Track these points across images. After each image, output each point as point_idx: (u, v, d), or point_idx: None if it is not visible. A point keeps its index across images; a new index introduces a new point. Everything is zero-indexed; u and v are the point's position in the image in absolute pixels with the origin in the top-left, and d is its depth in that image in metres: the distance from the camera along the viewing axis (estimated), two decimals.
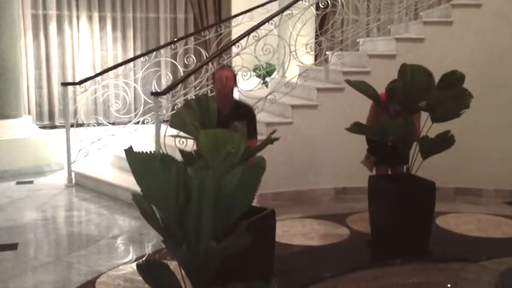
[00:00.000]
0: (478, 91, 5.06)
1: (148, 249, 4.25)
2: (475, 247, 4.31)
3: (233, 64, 6.85)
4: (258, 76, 7.28)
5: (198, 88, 6.46)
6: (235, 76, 4.25)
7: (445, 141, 3.95)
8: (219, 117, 3.74)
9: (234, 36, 6.85)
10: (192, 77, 6.93)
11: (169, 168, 2.17)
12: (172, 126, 3.64)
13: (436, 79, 4.01)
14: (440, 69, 4.15)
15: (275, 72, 7.77)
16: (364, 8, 6.64)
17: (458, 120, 4.06)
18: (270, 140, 3.77)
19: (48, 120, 9.51)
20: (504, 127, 5.60)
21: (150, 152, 2.18)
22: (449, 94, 3.93)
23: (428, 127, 4.02)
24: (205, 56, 7.16)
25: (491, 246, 4.30)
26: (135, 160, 2.18)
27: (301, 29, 5.90)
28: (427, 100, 3.91)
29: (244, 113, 4.15)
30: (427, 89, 3.89)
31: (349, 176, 5.48)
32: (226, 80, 4.09)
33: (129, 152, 2.19)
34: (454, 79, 3.99)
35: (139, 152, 2.17)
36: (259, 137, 4.86)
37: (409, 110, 3.95)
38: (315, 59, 7.49)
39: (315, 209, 5.17)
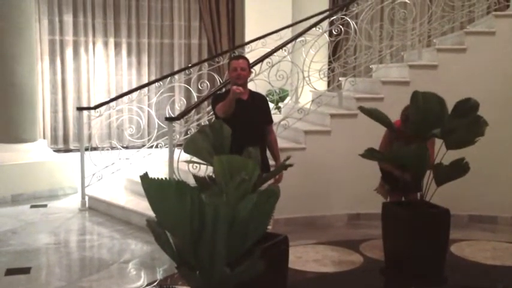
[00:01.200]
0: (493, 119, 5.05)
1: (160, 275, 4.24)
2: (490, 275, 4.26)
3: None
4: (272, 101, 7.32)
5: (211, 113, 6.49)
6: (249, 65, 4.30)
7: (460, 168, 3.93)
8: (239, 104, 3.98)
9: None
10: (206, 102, 7.00)
11: (184, 195, 2.18)
12: (186, 151, 3.66)
13: (450, 106, 4.01)
14: (454, 96, 4.14)
15: (288, 98, 7.81)
16: (377, 34, 6.69)
17: (472, 147, 4.05)
18: (284, 166, 3.78)
19: (62, 144, 9.59)
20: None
21: (165, 178, 2.20)
22: (464, 122, 3.92)
23: (442, 154, 4.00)
24: (219, 81, 7.22)
25: (507, 275, 4.24)
26: (150, 186, 2.19)
27: (314, 55, 5.94)
28: (440, 127, 3.90)
29: (260, 99, 4.36)
30: (439, 116, 3.89)
31: (363, 202, 5.45)
32: (242, 70, 4.16)
33: (144, 178, 2.20)
34: (468, 107, 3.98)
35: (154, 178, 2.18)
36: (272, 163, 4.89)
37: (422, 137, 3.94)
38: (328, 85, 7.53)
39: (328, 235, 5.15)
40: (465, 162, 3.94)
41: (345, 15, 6.01)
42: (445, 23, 6.34)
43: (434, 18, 6.23)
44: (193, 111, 5.43)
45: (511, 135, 5.55)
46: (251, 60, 5.75)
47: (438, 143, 4.10)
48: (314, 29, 5.96)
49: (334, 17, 6.07)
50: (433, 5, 6.14)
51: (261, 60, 5.61)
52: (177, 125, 5.79)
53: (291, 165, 3.83)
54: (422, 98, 3.93)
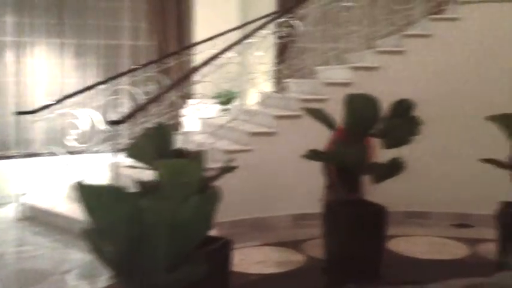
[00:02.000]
0: (429, 118, 5.27)
1: (101, 284, 4.14)
2: (425, 270, 4.43)
3: (194, 92, 6.91)
4: (219, 103, 7.35)
5: (157, 116, 6.46)
6: None
7: (396, 167, 4.07)
8: None
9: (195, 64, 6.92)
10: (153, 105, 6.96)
11: (122, 201, 2.18)
12: (129, 156, 3.65)
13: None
14: (395, 96, 4.30)
15: (236, 100, 7.86)
16: (322, 37, 6.82)
17: (409, 145, 4.21)
18: (227, 169, 3.82)
19: (1, 150, 9.28)
20: (451, 153, 5.78)
21: (102, 184, 2.20)
22: (400, 121, 4.08)
23: (383, 153, 4.15)
24: (167, 84, 7.18)
25: (441, 269, 4.43)
26: (86, 193, 2.19)
27: (261, 58, 6.01)
28: (378, 127, 4.04)
29: None
30: (374, 116, 4.02)
31: (308, 202, 5.53)
32: None
33: (79, 184, 2.19)
34: (404, 107, 4.14)
35: (90, 184, 2.18)
36: (219, 165, 4.91)
37: (358, 137, 4.07)
38: (275, 87, 7.62)
39: (273, 236, 5.21)
40: (401, 160, 4.09)
41: (291, 17, 6.11)
42: (386, 26, 6.53)
43: (376, 21, 6.42)
44: (139, 114, 5.39)
45: (444, 132, 5.76)
46: (199, 62, 5.81)
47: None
48: (261, 31, 6.03)
49: (281, 20, 6.16)
50: (375, 9, 6.32)
51: (208, 61, 5.64)
52: (123, 129, 5.73)
53: (235, 167, 3.88)
54: (356, 100, 4.06)
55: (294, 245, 4.90)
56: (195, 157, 3.70)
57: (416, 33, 6.02)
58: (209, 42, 7.20)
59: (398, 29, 6.88)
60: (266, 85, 6.34)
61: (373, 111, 4.13)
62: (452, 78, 5.79)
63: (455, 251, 4.79)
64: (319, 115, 4.34)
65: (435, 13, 6.36)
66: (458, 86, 5.77)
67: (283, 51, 7.62)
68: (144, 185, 3.39)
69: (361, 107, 4.14)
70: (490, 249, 4.61)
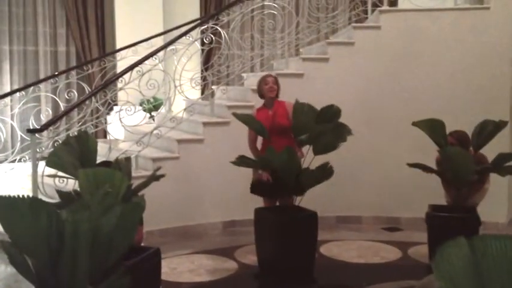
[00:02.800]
0: (356, 124, 5.38)
1: None
2: (358, 273, 4.49)
3: (118, 99, 6.71)
4: (145, 110, 7.18)
5: (80, 124, 6.21)
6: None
7: (325, 172, 4.12)
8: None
9: (118, 70, 6.73)
10: (75, 113, 6.70)
11: (40, 212, 2.05)
12: (49, 165, 3.46)
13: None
14: (319, 103, 4.38)
15: (162, 107, 7.72)
16: (248, 44, 6.84)
17: (339, 151, 4.28)
18: (154, 177, 3.71)
19: None
20: (380, 157, 5.93)
21: (18, 195, 2.05)
22: (328, 128, 4.14)
23: (311, 159, 4.19)
24: (88, 90, 6.93)
25: (373, 272, 4.50)
26: (1, 205, 2.03)
27: (186, 64, 5.92)
28: (308, 133, 4.09)
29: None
30: (308, 122, 4.07)
31: (238, 208, 5.53)
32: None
33: None
34: (331, 113, 4.21)
35: (5, 196, 2.03)
36: (145, 173, 4.80)
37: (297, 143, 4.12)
38: (202, 94, 7.55)
39: (203, 244, 5.14)
40: (329, 166, 4.14)
41: (216, 24, 6.07)
42: (310, 33, 6.65)
43: (300, 28, 6.52)
44: (60, 121, 5.16)
45: (371, 137, 5.92)
46: (121, 69, 5.63)
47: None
48: (185, 37, 5.95)
49: (205, 26, 6.12)
50: (299, 16, 6.42)
51: (131, 68, 5.49)
52: (44, 137, 5.47)
53: (162, 176, 3.78)
54: (301, 107, 4.15)
55: (226, 252, 4.85)
56: (119, 166, 3.58)
57: (340, 41, 6.17)
58: (131, 49, 7.05)
59: (323, 37, 7.05)
60: (192, 92, 6.25)
61: (311, 118, 4.18)
62: (376, 84, 5.96)
63: (387, 254, 4.88)
64: (249, 120, 4.33)
65: (358, 21, 6.57)
66: (383, 91, 5.95)
67: (209, 58, 7.58)
68: (64, 195, 3.23)
69: (305, 113, 4.20)
70: (420, 252, 4.77)
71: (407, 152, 5.36)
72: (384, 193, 5.94)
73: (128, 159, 3.69)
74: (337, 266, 4.62)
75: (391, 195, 5.91)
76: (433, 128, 4.40)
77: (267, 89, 4.65)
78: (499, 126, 4.36)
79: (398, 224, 5.88)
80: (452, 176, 4.21)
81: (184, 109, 5.88)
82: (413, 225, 5.45)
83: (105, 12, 9.64)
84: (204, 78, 6.40)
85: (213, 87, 6.54)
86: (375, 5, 6.41)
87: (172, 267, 4.39)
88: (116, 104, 6.82)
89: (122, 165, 3.62)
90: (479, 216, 4.30)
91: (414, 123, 4.42)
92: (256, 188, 4.39)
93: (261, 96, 4.76)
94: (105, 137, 7.11)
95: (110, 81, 5.77)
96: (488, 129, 4.38)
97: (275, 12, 6.31)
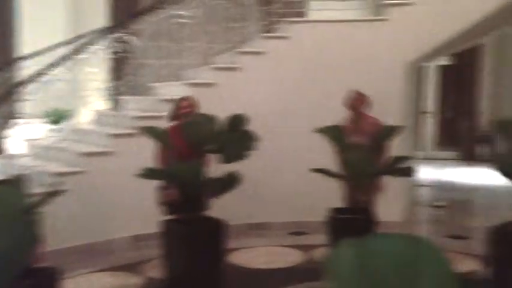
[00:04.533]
0: (266, 131, 5.43)
1: None
2: (265, 279, 4.55)
3: (20, 111, 6.36)
4: (49, 123, 6.86)
5: None
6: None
7: (233, 180, 4.11)
8: None
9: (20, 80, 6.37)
10: None
11: None
12: None
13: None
14: (230, 112, 4.34)
15: (67, 119, 7.40)
16: (158, 53, 6.72)
17: (248, 158, 4.28)
18: (54, 193, 3.53)
19: None
20: (289, 164, 6.04)
21: None
22: (236, 136, 4.13)
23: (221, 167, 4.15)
24: None
25: (279, 277, 4.56)
26: None
27: (93, 74, 5.72)
28: (214, 143, 4.05)
29: None
30: (211, 132, 4.04)
31: (146, 222, 5.34)
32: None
33: None
34: (238, 122, 4.20)
35: None
36: (45, 189, 4.54)
37: (198, 153, 4.05)
38: (110, 104, 7.32)
39: (110, 261, 4.96)
40: (237, 174, 4.13)
41: (125, 32, 5.92)
42: (222, 42, 6.63)
43: (212, 38, 6.50)
44: None
45: (281, 144, 5.99)
46: (23, 78, 5.34)
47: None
48: (92, 46, 5.75)
49: (114, 35, 5.95)
50: (211, 26, 6.39)
51: (33, 78, 5.22)
52: None
53: (64, 191, 3.60)
54: (196, 119, 4.07)
55: (132, 267, 4.70)
56: (16, 182, 3.37)
57: (250, 51, 6.21)
58: (36, 58, 6.71)
59: (234, 46, 7.07)
60: (100, 103, 6.05)
61: (210, 127, 4.14)
62: (286, 93, 6.06)
63: (292, 258, 4.97)
64: (153, 133, 4.23)
65: (268, 31, 6.64)
66: (292, 100, 6.06)
67: (118, 68, 7.37)
68: None
69: (199, 123, 4.13)
70: (323, 254, 4.86)
71: (314, 157, 5.46)
72: (291, 199, 6.05)
73: (24, 176, 3.49)
74: (246, 273, 4.65)
75: (297, 201, 6.03)
76: (333, 133, 4.56)
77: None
78: (393, 130, 4.65)
79: (304, 228, 5.98)
80: (351, 179, 4.36)
81: (92, 121, 5.67)
82: (318, 228, 5.54)
83: (6, 20, 9.16)
84: (113, 89, 6.21)
85: (123, 97, 6.36)
86: (284, 16, 6.51)
87: None
88: (18, 117, 6.46)
89: (19, 182, 3.41)
90: (376, 217, 4.48)
91: (318, 130, 4.55)
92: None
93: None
94: (3, 152, 6.71)
95: (11, 92, 5.45)
96: (384, 133, 4.64)
97: (186, 21, 6.25)
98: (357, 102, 4.89)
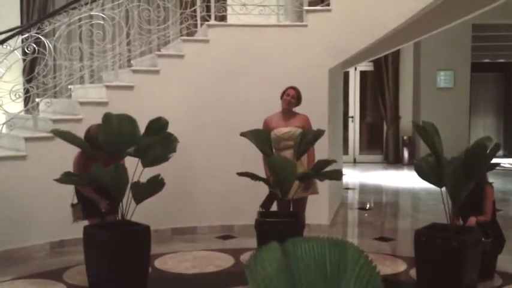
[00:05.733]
0: (189, 135, 5.43)
1: None
2: (192, 284, 4.51)
3: None
4: None
5: None
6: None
7: (156, 184, 4.07)
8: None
9: None
10: None
11: None
12: None
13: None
14: (151, 115, 4.31)
15: None
16: (76, 54, 6.52)
17: (170, 162, 4.26)
18: None
19: None
20: (214, 167, 6.03)
21: None
22: (157, 139, 4.10)
23: (140, 172, 4.10)
24: None
25: (206, 281, 4.56)
26: None
27: (4, 75, 5.46)
28: (135, 146, 4.00)
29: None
30: (132, 135, 3.99)
31: (66, 227, 5.16)
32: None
33: None
34: (159, 125, 4.18)
35: None
36: None
37: (118, 157, 3.98)
38: (24, 107, 7.02)
39: (28, 268, 4.75)
40: (160, 178, 4.10)
41: (38, 33, 5.70)
42: (141, 45, 6.55)
43: (131, 40, 6.40)
44: None
45: (204, 148, 5.99)
46: None
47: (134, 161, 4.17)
48: (2, 46, 5.49)
49: (26, 35, 5.72)
50: (130, 27, 6.29)
51: None
52: None
53: None
54: (114, 119, 3.98)
55: (53, 274, 4.53)
56: None
57: (170, 54, 6.17)
58: None
59: (154, 49, 7.00)
60: (13, 105, 5.77)
61: (131, 130, 4.08)
62: (208, 96, 6.05)
63: (220, 262, 4.95)
64: (68, 137, 4.11)
65: (188, 34, 6.63)
66: (214, 103, 6.06)
67: (33, 69, 7.08)
68: None
69: (120, 126, 4.06)
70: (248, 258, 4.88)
71: (239, 161, 5.53)
72: (217, 202, 6.05)
73: None
74: (171, 278, 4.59)
75: (224, 204, 6.04)
76: (259, 137, 4.61)
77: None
78: (317, 134, 4.70)
79: (232, 231, 6.03)
80: (278, 182, 4.42)
81: (4, 123, 5.41)
82: (246, 232, 5.61)
83: None
84: (26, 91, 5.95)
85: (37, 99, 6.13)
86: (204, 19, 6.53)
87: None
88: None
89: None
90: (304, 220, 4.58)
91: (242, 134, 4.59)
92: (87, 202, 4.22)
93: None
94: None
95: None
96: (308, 138, 4.69)
97: (104, 23, 6.11)
98: (292, 98, 4.96)
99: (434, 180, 4.20)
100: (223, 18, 7.15)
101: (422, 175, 4.27)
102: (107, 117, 4.01)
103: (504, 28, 11.69)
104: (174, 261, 5.00)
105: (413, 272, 4.37)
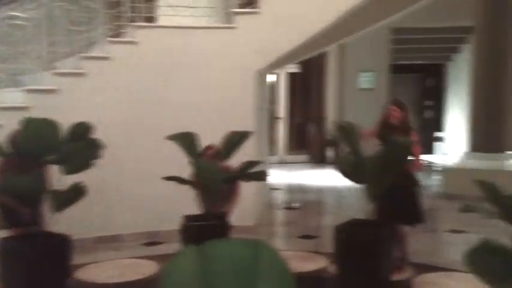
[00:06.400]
0: (115, 140, 5.32)
1: None
2: None
3: None
4: None
5: None
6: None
7: (77, 192, 3.98)
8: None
9: None
10: None
11: None
12: None
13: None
14: (75, 120, 4.22)
15: None
16: None
17: (96, 168, 4.19)
18: None
19: None
20: (140, 173, 5.95)
21: None
22: (80, 145, 4.02)
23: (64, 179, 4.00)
24: None
25: None
26: None
27: None
28: (56, 153, 3.91)
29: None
30: (54, 141, 3.89)
31: None
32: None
33: None
34: (82, 130, 4.10)
35: None
36: None
37: (37, 164, 3.88)
38: None
39: None
40: (82, 185, 4.01)
41: None
42: (65, 46, 6.35)
43: (54, 41, 6.20)
44: None
45: (131, 153, 5.91)
46: None
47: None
48: None
49: None
50: (53, 29, 6.09)
51: None
52: None
53: None
54: (33, 124, 3.87)
55: None
56: None
57: (96, 56, 6.03)
58: None
59: (78, 51, 6.81)
60: None
61: (53, 136, 3.96)
62: (135, 99, 5.98)
63: (145, 269, 4.88)
64: None
65: (116, 36, 6.50)
66: (142, 107, 5.99)
67: None
68: None
69: (40, 131, 3.94)
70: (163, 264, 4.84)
71: (167, 165, 5.45)
72: (143, 208, 5.98)
73: None
74: None
75: (150, 210, 5.98)
76: (186, 140, 4.61)
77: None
78: (244, 136, 4.79)
79: (158, 237, 5.95)
80: (204, 186, 4.47)
81: None
82: (172, 237, 5.56)
83: None
84: None
85: None
86: (133, 20, 6.43)
87: None
88: None
89: None
90: (229, 222, 4.64)
91: (168, 137, 4.57)
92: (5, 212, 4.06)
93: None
94: None
95: None
96: (235, 139, 4.76)
97: (24, 23, 5.90)
98: None
99: (354, 178, 4.41)
100: (153, 19, 7.07)
101: (344, 173, 4.46)
102: (25, 121, 3.88)
103: (420, 31, 12.32)
104: (97, 270, 4.88)
105: (334, 268, 4.53)
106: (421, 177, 4.75)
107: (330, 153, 12.29)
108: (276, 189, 9.31)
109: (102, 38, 6.66)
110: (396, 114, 4.80)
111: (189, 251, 1.60)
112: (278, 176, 10.47)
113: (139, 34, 6.10)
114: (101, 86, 5.90)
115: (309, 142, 12.78)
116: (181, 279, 1.55)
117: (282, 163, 12.50)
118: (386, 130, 4.78)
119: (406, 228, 4.73)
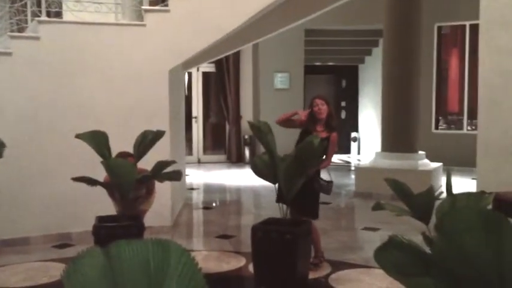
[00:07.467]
0: (19, 140, 5.02)
1: None
2: None
3: None
4: None
5: None
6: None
7: None
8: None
9: None
10: None
11: None
12: None
13: None
14: None
15: None
16: None
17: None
18: None
19: None
20: (48, 173, 5.67)
21: None
22: None
23: None
24: None
25: None
26: None
27: None
28: None
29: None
30: None
31: None
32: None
33: None
34: None
35: None
36: None
37: None
38: None
39: None
40: None
41: None
42: None
43: None
44: None
45: (37, 154, 5.61)
46: None
47: None
48: None
49: None
50: None
51: None
52: None
53: None
54: None
55: None
56: None
57: None
58: None
59: None
60: None
61: None
62: (40, 98, 5.66)
63: (55, 272, 4.61)
64: None
65: (19, 30, 6.14)
66: (48, 105, 5.68)
67: None
68: None
69: None
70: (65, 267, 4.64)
71: (77, 165, 5.22)
72: (52, 210, 5.70)
73: None
74: None
75: (60, 212, 5.72)
76: (96, 139, 4.42)
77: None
78: (157, 135, 4.65)
79: (70, 239, 5.73)
80: (116, 186, 4.30)
81: None
82: (84, 239, 5.36)
83: None
84: None
85: None
86: (35, 15, 6.09)
87: None
88: None
89: None
90: (144, 223, 4.50)
91: (77, 136, 4.36)
92: None
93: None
94: None
95: None
96: (148, 139, 4.61)
97: None
98: None
99: (269, 177, 4.43)
100: (58, 14, 6.73)
101: (258, 173, 4.46)
102: None
103: (334, 33, 12.69)
104: (4, 275, 4.63)
105: (251, 267, 4.52)
106: (330, 175, 4.80)
107: (246, 152, 12.37)
108: (194, 189, 9.22)
109: (2, 32, 6.27)
110: (323, 108, 4.84)
111: (93, 252, 1.52)
112: (195, 176, 10.38)
113: (42, 29, 5.75)
114: (1, 82, 5.52)
115: (225, 142, 12.79)
116: (85, 281, 1.46)
117: (199, 163, 12.42)
118: (311, 123, 4.82)
119: (316, 224, 4.79)
